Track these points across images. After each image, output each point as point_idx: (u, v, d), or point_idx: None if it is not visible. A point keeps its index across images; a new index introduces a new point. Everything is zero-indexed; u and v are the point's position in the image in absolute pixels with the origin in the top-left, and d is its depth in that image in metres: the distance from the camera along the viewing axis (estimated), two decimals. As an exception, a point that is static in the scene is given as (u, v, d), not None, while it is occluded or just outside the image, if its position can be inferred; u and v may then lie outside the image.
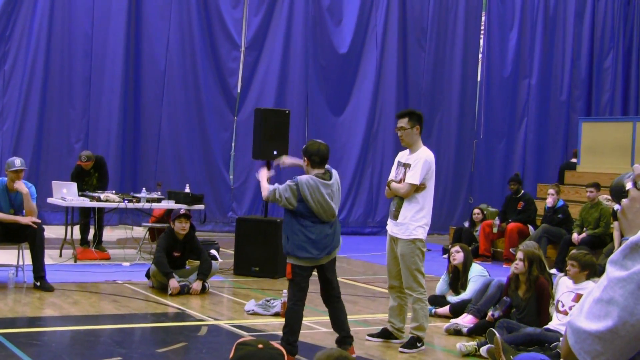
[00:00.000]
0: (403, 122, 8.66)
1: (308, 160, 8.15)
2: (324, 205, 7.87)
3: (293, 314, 8.04)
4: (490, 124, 21.59)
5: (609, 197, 14.66)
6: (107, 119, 17.76)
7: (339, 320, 8.27)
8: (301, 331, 9.16)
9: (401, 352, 8.52)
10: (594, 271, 8.52)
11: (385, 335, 8.97)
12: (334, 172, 8.19)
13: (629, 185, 2.36)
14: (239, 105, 19.00)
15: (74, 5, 17.50)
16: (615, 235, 13.53)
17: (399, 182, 8.65)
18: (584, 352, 2.11)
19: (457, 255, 10.57)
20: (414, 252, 8.55)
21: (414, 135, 8.65)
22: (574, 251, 9.28)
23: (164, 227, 12.65)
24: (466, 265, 10.55)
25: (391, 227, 8.75)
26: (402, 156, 8.83)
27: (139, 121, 18.22)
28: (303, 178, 7.98)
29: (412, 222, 8.54)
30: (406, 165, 8.64)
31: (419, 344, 8.61)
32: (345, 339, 8.19)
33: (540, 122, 22.15)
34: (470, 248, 12.35)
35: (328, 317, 8.45)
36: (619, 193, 2.43)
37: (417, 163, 8.55)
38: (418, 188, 8.54)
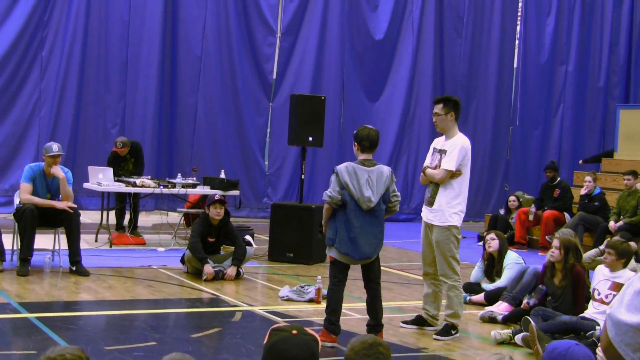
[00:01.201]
0: (438, 108, 8.62)
1: (358, 145, 8.20)
2: (362, 190, 7.88)
3: (332, 294, 8.16)
4: (526, 111, 21.45)
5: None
6: (143, 105, 17.83)
7: (371, 306, 8.30)
8: (335, 317, 9.17)
9: (435, 339, 8.49)
10: (630, 259, 8.45)
11: (420, 322, 8.94)
12: (383, 167, 8.15)
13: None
14: (275, 91, 19.01)
15: (111, -9, 17.58)
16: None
17: (435, 168, 8.60)
18: (625, 344, 2.08)
19: (492, 242, 10.52)
20: (449, 239, 8.51)
21: (449, 122, 8.60)
22: (613, 239, 9.21)
23: (199, 212, 12.68)
24: (501, 253, 10.49)
25: (426, 214, 8.71)
26: (438, 142, 8.79)
27: (174, 107, 18.28)
28: (342, 165, 8.11)
29: (448, 208, 8.49)
30: (442, 152, 8.59)
31: (453, 332, 8.57)
32: (373, 327, 8.20)
33: (577, 109, 21.97)
34: (505, 235, 12.28)
35: (363, 304, 8.46)
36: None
37: (453, 149, 8.49)
38: (454, 174, 8.49)
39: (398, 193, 8.22)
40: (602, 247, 13.34)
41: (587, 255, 9.64)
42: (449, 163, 8.47)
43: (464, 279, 9.86)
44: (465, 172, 8.56)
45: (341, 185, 7.94)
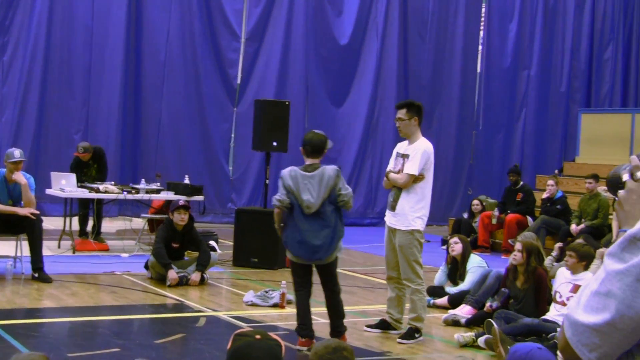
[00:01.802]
0: (401, 113, 8.65)
1: (303, 149, 8.30)
2: (301, 194, 7.95)
3: (296, 299, 8.29)
4: (490, 115, 21.58)
5: (608, 188, 14.67)
6: (107, 110, 17.73)
7: (330, 312, 8.37)
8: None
9: (399, 343, 8.53)
10: (591, 262, 8.53)
11: (384, 326, 8.97)
12: (326, 168, 8.08)
13: (625, 177, 2.35)
14: (239, 96, 18.98)
15: (74, -5, 17.48)
16: (614, 226, 13.54)
17: (398, 172, 8.64)
18: (582, 344, 2.10)
19: (456, 246, 10.57)
20: (412, 243, 8.55)
21: (412, 127, 8.64)
22: (575, 242, 9.30)
23: (163, 218, 12.65)
24: (465, 256, 10.55)
25: (389, 218, 8.75)
26: (401, 147, 8.82)
27: (139, 112, 18.19)
28: (285, 170, 8.22)
29: (411, 213, 8.53)
30: (405, 156, 8.63)
31: (417, 335, 8.61)
32: (334, 331, 8.26)
33: (540, 113, 22.14)
34: (469, 239, 12.35)
35: (324, 308, 8.47)
36: (615, 184, 2.42)
37: (415, 154, 8.53)
38: (416, 179, 8.53)
39: (346, 191, 8.01)
40: (554, 253, 13.50)
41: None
42: (411, 167, 8.51)
43: (427, 283, 9.91)
44: (428, 177, 8.60)
45: (286, 189, 7.99)
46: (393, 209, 8.64)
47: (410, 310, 8.71)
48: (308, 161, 8.16)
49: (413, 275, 8.57)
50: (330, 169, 8.07)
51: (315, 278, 8.39)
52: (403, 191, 8.59)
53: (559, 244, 13.30)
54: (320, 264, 8.17)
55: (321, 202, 7.93)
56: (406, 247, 8.55)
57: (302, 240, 8.00)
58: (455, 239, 10.75)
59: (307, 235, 7.98)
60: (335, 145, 19.71)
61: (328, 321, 8.74)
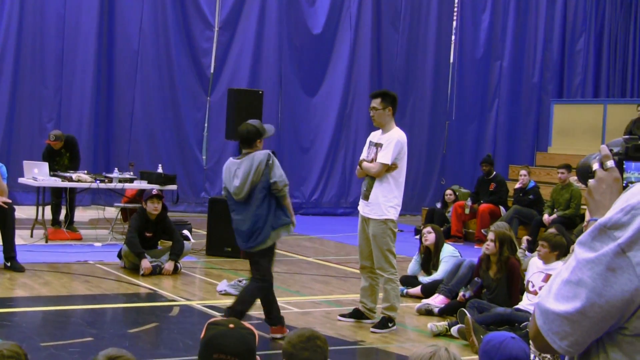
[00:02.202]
0: (376, 103, 8.66)
1: None
2: (232, 182, 7.89)
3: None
4: (462, 106, 21.64)
5: (581, 178, 14.77)
6: (79, 99, 17.63)
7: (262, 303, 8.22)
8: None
9: (373, 332, 8.56)
10: (563, 252, 8.59)
11: (357, 315, 9.00)
12: (256, 153, 7.88)
13: (595, 166, 2.37)
14: (213, 86, 18.93)
15: (46, -17, 17.35)
16: (587, 216, 13.65)
17: (371, 161, 8.65)
18: (552, 333, 2.13)
19: (429, 236, 10.61)
20: (385, 232, 8.57)
21: (386, 116, 8.66)
22: (547, 231, 9.36)
23: (137, 207, 12.61)
24: (438, 246, 10.58)
25: (362, 208, 8.77)
26: (374, 136, 8.83)
27: (111, 101, 18.10)
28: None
29: (384, 202, 8.55)
30: (378, 145, 8.64)
31: (390, 324, 8.65)
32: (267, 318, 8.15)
33: (512, 104, 22.24)
34: (442, 229, 12.39)
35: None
36: (585, 174, 2.44)
37: (389, 143, 8.55)
38: (390, 168, 8.55)
39: (279, 179, 7.77)
40: (523, 245, 13.60)
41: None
42: (384, 157, 8.53)
43: (401, 272, 9.95)
44: (401, 166, 8.62)
45: (224, 180, 8.08)
46: (366, 198, 8.66)
47: (383, 299, 8.74)
48: (244, 152, 8.04)
49: (386, 264, 8.60)
50: (260, 153, 7.86)
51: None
52: (376, 180, 8.60)
53: (526, 237, 13.38)
54: (250, 252, 8.05)
55: (249, 187, 7.77)
56: (379, 236, 8.57)
57: (235, 228, 8.03)
58: (429, 228, 10.79)
59: (238, 223, 7.97)
60: (308, 135, 19.89)
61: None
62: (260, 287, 7.97)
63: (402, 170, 8.66)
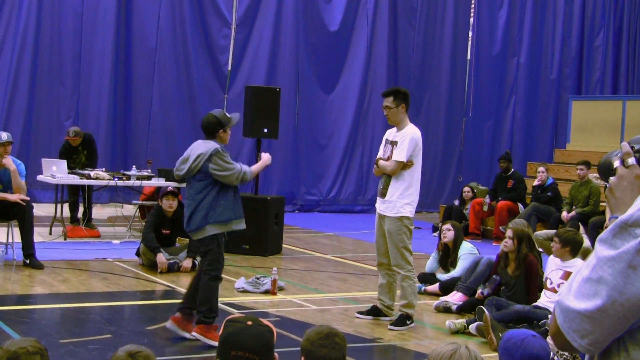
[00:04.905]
0: (388, 101, 8.68)
1: None
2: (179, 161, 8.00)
3: None
4: (479, 103, 21.58)
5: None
6: (97, 97, 17.70)
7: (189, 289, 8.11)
8: (291, 309, 9.24)
9: (391, 329, 8.55)
10: (576, 247, 8.53)
11: (375, 312, 8.99)
12: (206, 143, 7.84)
13: (616, 163, 2.36)
14: (230, 83, 18.96)
15: (64, -18, 17.42)
16: (607, 213, 13.58)
17: (387, 159, 8.66)
18: (573, 331, 2.11)
19: (448, 233, 10.58)
20: (401, 229, 8.57)
21: (400, 114, 8.67)
22: (562, 228, 9.32)
23: (154, 204, 12.63)
24: (456, 243, 10.56)
25: (379, 205, 8.78)
26: (390, 134, 8.85)
27: (129, 98, 18.17)
28: None
29: (400, 199, 8.55)
30: (393, 143, 8.65)
31: (408, 322, 8.63)
32: (185, 309, 7.96)
33: (529, 101, 22.16)
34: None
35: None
36: (606, 171, 2.43)
37: (403, 140, 8.56)
38: (405, 165, 8.55)
39: (221, 172, 7.67)
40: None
41: (538, 234, 9.73)
42: (399, 154, 8.53)
43: (418, 270, 9.95)
44: (416, 163, 8.62)
45: None
46: (383, 195, 8.67)
47: (401, 297, 8.73)
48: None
49: (403, 261, 8.59)
50: (205, 143, 7.83)
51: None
52: (392, 178, 8.61)
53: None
54: (194, 238, 8.03)
55: (186, 171, 7.80)
56: (395, 233, 8.57)
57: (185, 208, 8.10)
58: (448, 225, 10.75)
59: (185, 205, 8.08)
60: (325, 132, 19.90)
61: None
62: (211, 279, 7.85)
63: (418, 167, 8.66)
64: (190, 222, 7.79)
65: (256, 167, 8.26)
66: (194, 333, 7.72)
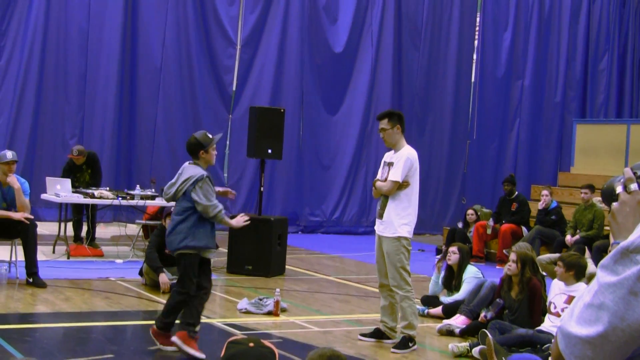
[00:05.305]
0: (383, 123, 8.78)
1: None
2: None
3: None
4: (483, 125, 21.59)
5: (602, 199, 14.69)
6: (102, 116, 17.74)
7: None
8: (293, 330, 9.22)
9: (393, 352, 8.53)
10: (580, 271, 8.52)
11: (378, 335, 8.97)
12: (193, 168, 8.15)
13: (619, 189, 2.36)
14: (234, 103, 19.01)
15: (70, 0, 17.48)
16: (611, 239, 13.53)
17: (384, 181, 8.72)
18: (574, 356, 2.11)
19: (453, 256, 10.56)
20: (399, 249, 8.60)
21: (396, 135, 8.75)
22: (565, 252, 9.31)
23: (158, 224, 12.64)
24: (461, 267, 10.53)
25: (377, 226, 8.84)
26: (388, 156, 8.95)
27: (134, 118, 18.21)
28: None
29: (397, 220, 8.60)
30: (390, 164, 8.74)
31: (411, 344, 8.62)
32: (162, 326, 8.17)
33: (534, 123, 22.18)
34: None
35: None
36: (609, 196, 2.43)
37: (399, 161, 8.65)
38: (401, 186, 8.61)
39: (201, 202, 7.96)
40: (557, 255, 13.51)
41: (541, 258, 9.74)
42: (395, 174, 8.61)
43: (422, 292, 9.93)
44: (413, 183, 8.67)
45: None
46: (381, 216, 8.74)
47: (401, 318, 8.72)
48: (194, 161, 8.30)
49: (402, 282, 8.60)
50: (197, 171, 8.08)
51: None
52: (389, 199, 8.67)
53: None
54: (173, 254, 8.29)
55: (174, 193, 8.14)
56: (393, 254, 8.61)
57: None
58: (454, 248, 10.72)
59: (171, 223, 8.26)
60: (329, 153, 19.92)
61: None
62: (179, 293, 8.11)
63: (415, 187, 8.71)
64: (171, 243, 8.15)
65: (227, 219, 8.53)
66: (173, 339, 7.97)
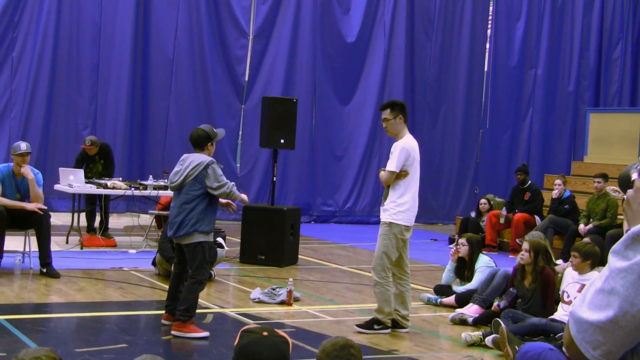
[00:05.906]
0: (386, 114, 8.83)
1: None
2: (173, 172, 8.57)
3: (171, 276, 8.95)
4: (496, 114, 21.56)
5: (617, 188, 14.67)
6: (114, 107, 17.76)
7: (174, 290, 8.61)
8: (306, 320, 9.23)
9: (357, 330, 8.64)
10: (596, 260, 8.52)
11: (392, 324, 8.97)
12: (201, 156, 8.41)
13: (634, 176, 2.36)
14: (247, 93, 19.01)
15: (82, -8, 17.51)
16: (625, 226, 13.49)
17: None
18: (586, 342, 2.11)
19: (463, 248, 10.54)
20: (387, 234, 8.67)
21: (398, 125, 8.80)
22: (579, 242, 9.30)
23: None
24: (472, 258, 10.50)
25: (380, 213, 8.88)
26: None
27: (146, 108, 18.22)
28: None
29: (393, 207, 8.68)
30: (391, 154, 8.83)
31: (376, 327, 8.71)
32: (172, 310, 8.42)
33: (547, 113, 22.11)
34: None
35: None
36: (625, 184, 2.43)
37: (394, 151, 8.74)
38: (399, 175, 8.65)
39: (213, 185, 8.24)
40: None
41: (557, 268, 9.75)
42: (391, 164, 8.71)
43: (435, 281, 9.91)
44: (411, 172, 8.71)
45: None
46: (383, 205, 8.82)
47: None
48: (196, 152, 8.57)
49: (378, 266, 8.70)
50: (205, 157, 8.39)
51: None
52: (390, 187, 8.76)
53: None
54: (180, 244, 8.39)
55: (183, 179, 8.32)
56: (380, 237, 8.74)
57: (169, 217, 8.53)
58: (463, 240, 10.69)
59: (171, 212, 8.43)
60: (342, 143, 19.91)
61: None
62: (196, 283, 8.33)
63: (414, 175, 8.76)
64: (179, 229, 8.26)
65: (239, 194, 8.68)
66: (173, 332, 8.17)
